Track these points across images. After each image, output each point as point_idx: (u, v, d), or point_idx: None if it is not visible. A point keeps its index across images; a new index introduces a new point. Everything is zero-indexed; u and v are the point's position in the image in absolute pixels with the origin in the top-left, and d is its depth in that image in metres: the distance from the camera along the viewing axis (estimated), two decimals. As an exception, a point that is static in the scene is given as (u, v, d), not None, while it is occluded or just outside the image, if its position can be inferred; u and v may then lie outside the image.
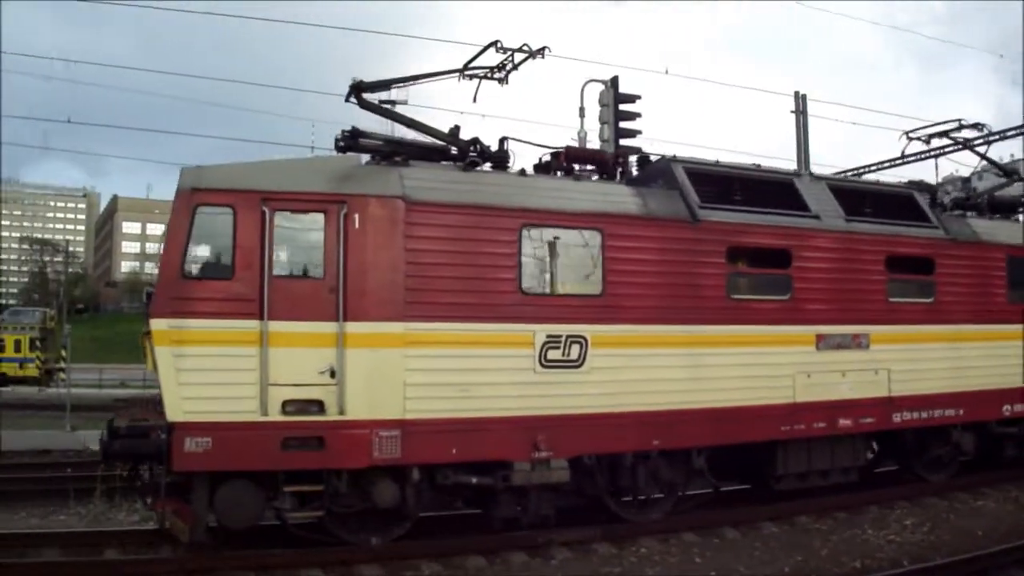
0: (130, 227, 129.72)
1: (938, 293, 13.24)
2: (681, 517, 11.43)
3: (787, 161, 21.69)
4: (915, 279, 13.19)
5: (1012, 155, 26.57)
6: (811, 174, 13.17)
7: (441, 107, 14.62)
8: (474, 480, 10.01)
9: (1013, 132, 20.63)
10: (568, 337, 10.35)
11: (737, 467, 12.14)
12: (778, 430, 11.63)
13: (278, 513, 9.57)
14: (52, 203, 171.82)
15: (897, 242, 12.92)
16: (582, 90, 14.99)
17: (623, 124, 14.27)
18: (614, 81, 14.17)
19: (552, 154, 11.64)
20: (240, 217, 9.24)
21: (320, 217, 9.52)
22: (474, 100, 12.33)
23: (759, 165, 13.00)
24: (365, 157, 10.38)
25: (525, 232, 10.34)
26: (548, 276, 10.76)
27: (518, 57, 11.22)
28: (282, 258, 9.75)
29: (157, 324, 8.93)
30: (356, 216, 9.55)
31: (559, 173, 11.47)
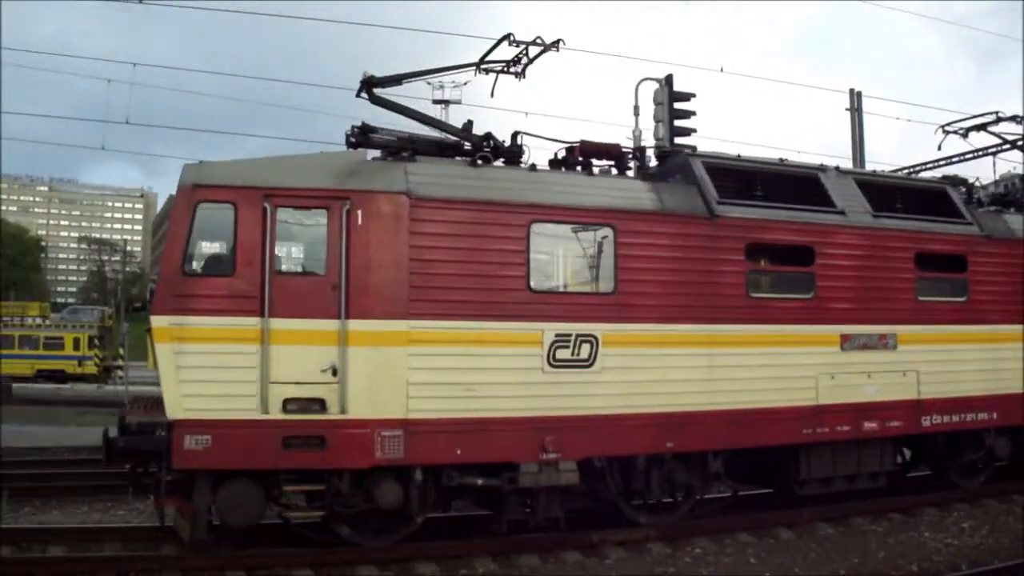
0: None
1: (971, 292, 12.69)
2: (736, 518, 11.27)
3: (843, 159, 21.27)
4: (947, 277, 12.68)
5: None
6: (838, 169, 12.68)
7: (494, 106, 14.63)
8: (480, 482, 9.81)
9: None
10: (578, 336, 10.10)
11: (757, 471, 11.77)
12: (800, 433, 11.24)
13: (281, 512, 9.50)
14: (110, 203, 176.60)
15: (927, 238, 12.42)
16: (637, 88, 14.80)
17: (678, 122, 14.00)
18: (668, 79, 13.88)
19: (567, 148, 11.39)
20: (241, 213, 9.14)
21: (323, 213, 9.40)
22: (491, 94, 12.29)
23: (784, 159, 12.61)
24: (376, 153, 10.27)
25: (534, 228, 10.11)
26: (558, 273, 10.53)
27: (533, 51, 11.11)
28: (284, 255, 9.69)
29: (157, 321, 8.88)
30: (359, 212, 9.40)
31: (578, 168, 11.18)
